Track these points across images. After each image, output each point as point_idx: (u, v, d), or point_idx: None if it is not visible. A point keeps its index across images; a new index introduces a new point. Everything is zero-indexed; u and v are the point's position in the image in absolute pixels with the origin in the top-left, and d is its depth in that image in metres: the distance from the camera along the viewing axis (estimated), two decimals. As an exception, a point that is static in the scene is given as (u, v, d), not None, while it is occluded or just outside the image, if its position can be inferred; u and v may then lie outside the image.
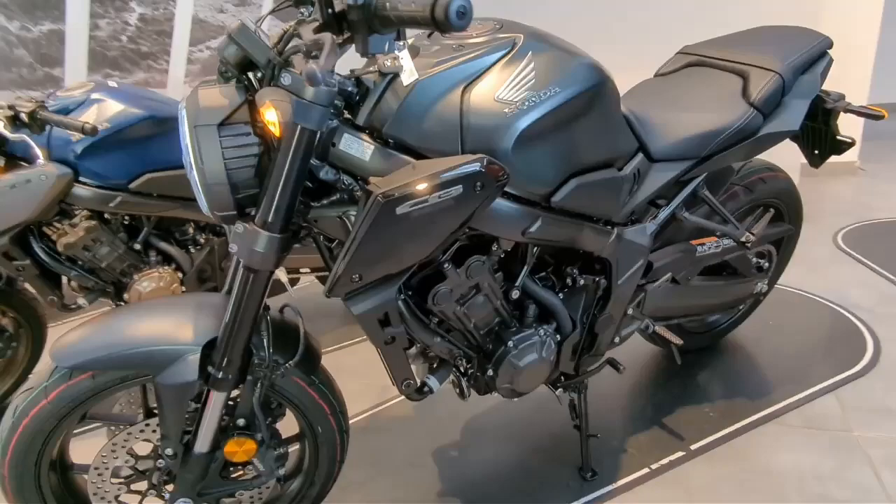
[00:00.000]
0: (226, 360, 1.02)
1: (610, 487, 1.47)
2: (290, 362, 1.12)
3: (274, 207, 0.91)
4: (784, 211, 1.76)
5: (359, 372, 1.92)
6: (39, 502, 1.11)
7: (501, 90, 0.98)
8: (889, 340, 1.93)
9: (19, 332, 2.00)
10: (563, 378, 1.46)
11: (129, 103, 1.78)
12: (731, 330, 2.01)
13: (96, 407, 1.10)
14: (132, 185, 1.81)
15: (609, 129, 1.14)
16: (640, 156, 1.28)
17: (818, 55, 1.45)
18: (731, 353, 1.98)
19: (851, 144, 1.74)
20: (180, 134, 0.93)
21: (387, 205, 0.87)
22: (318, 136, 0.89)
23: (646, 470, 1.51)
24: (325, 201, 1.01)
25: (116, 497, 1.16)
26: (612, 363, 1.50)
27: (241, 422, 1.11)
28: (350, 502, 1.48)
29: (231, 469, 1.20)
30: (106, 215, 1.84)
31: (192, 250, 1.94)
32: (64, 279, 1.90)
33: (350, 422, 1.65)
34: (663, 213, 1.40)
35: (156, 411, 1.08)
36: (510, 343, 1.23)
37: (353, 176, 0.99)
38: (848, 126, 3.41)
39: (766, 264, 1.80)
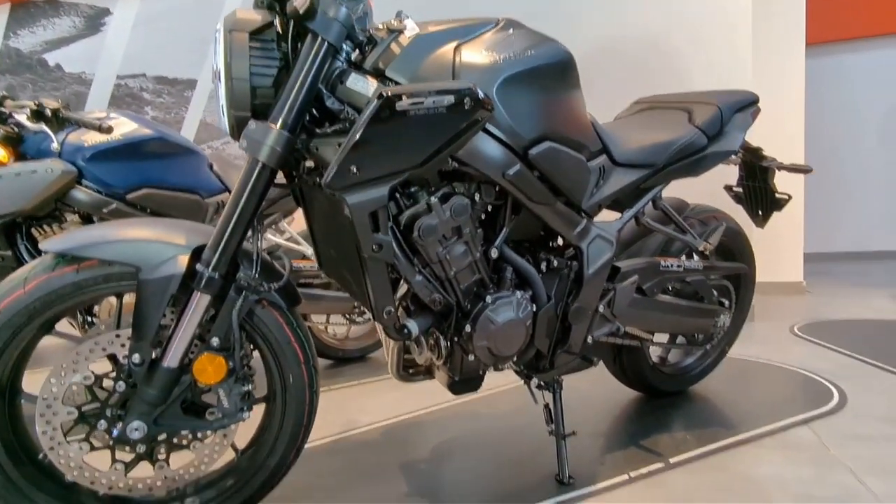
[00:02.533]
0: (217, 255, 1.05)
1: (589, 489, 1.39)
2: (275, 284, 1.14)
3: (287, 106, 1.04)
4: (735, 250, 1.92)
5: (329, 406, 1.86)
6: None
7: (488, 48, 1.18)
8: (853, 392, 1.98)
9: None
10: (538, 371, 1.46)
11: (142, 124, 1.95)
12: (702, 377, 2.04)
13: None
14: (129, 196, 1.90)
15: (575, 107, 1.33)
16: (605, 156, 1.47)
17: (749, 102, 1.74)
18: (704, 392, 1.99)
19: (788, 200, 1.97)
20: (214, 51, 1.08)
21: (388, 99, 1.00)
22: (332, 53, 1.05)
23: (625, 476, 1.45)
24: (328, 129, 1.13)
25: (63, 427, 1.08)
26: (586, 358, 1.52)
27: (214, 341, 1.09)
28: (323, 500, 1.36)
29: (193, 406, 1.14)
30: (96, 224, 1.89)
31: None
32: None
33: (317, 443, 1.60)
34: (627, 214, 1.54)
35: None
36: (488, 299, 1.27)
37: (356, 109, 1.13)
38: (793, 242, 3.78)
39: (727, 301, 1.91)
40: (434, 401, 1.98)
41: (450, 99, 1.04)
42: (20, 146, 1.82)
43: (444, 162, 1.14)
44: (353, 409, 1.96)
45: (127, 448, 1.13)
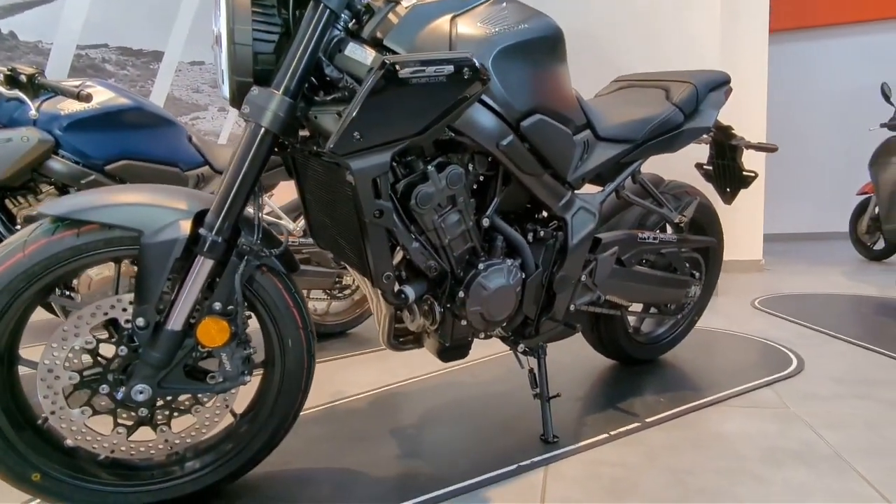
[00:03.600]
0: (221, 219, 1.06)
1: (573, 446, 1.47)
2: (275, 250, 1.16)
3: (290, 72, 1.05)
4: (705, 224, 2.02)
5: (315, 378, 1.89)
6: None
7: (483, 21, 1.22)
8: (809, 357, 2.12)
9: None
10: (524, 337, 1.52)
11: (119, 93, 1.91)
12: (672, 346, 2.15)
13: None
14: (108, 168, 1.87)
15: (563, 82, 1.38)
16: (588, 132, 1.52)
17: (722, 82, 1.82)
18: (673, 360, 2.10)
19: (755, 177, 2.08)
20: (215, 15, 1.08)
21: (391, 67, 1.02)
22: (333, 19, 1.07)
23: (605, 435, 1.53)
24: (327, 97, 1.15)
25: (64, 391, 1.08)
26: (569, 324, 1.59)
27: (216, 306, 1.11)
28: (313, 467, 1.40)
29: (196, 371, 1.16)
30: (73, 196, 1.85)
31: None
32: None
33: (307, 412, 1.63)
34: (609, 187, 1.61)
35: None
36: (480, 266, 1.32)
37: (354, 78, 1.15)
38: (753, 222, 3.95)
39: (697, 273, 2.02)
40: (418, 372, 2.03)
41: (449, 68, 1.07)
42: (-8, 112, 1.76)
43: (442, 131, 1.17)
44: (338, 381, 1.99)
45: (128, 412, 1.14)
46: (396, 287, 1.24)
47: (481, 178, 1.35)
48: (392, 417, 1.68)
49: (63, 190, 1.84)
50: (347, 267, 1.47)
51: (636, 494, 1.25)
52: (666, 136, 1.66)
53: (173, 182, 2.01)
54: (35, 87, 1.70)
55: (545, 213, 1.54)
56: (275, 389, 1.25)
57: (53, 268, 1.03)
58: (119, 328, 1.10)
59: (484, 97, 1.21)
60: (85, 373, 1.09)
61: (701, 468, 1.36)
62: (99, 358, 1.10)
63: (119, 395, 1.07)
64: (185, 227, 1.06)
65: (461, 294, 1.32)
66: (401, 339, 1.52)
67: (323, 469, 1.39)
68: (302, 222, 2.25)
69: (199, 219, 1.09)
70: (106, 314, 1.08)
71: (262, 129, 1.07)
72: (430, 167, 1.21)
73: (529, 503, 1.24)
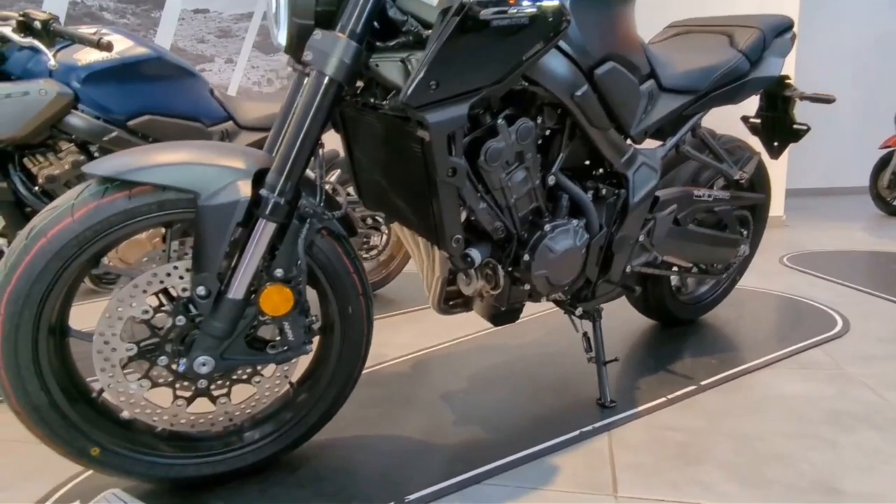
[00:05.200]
0: (284, 178, 0.98)
1: (631, 411, 1.44)
2: (336, 213, 1.08)
3: (356, 13, 0.94)
4: (754, 180, 1.94)
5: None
6: (30, 352, 0.95)
7: None
8: (854, 317, 2.08)
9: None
10: (581, 300, 1.47)
11: (137, 42, 1.78)
12: (714, 306, 2.10)
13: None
14: (130, 123, 1.76)
15: (633, 27, 1.29)
16: (652, 81, 1.42)
17: (787, 27, 1.70)
18: (714, 321, 2.06)
19: (807, 130, 1.98)
20: None
21: (472, 8, 0.92)
22: None
23: (662, 399, 1.50)
24: (389, 43, 1.04)
25: (121, 362, 1.02)
26: (627, 286, 1.53)
27: (278, 272, 1.04)
28: (369, 434, 1.36)
29: (255, 340, 1.10)
30: (96, 154, 1.75)
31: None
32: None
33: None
34: (670, 142, 1.52)
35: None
36: (546, 227, 1.25)
37: (420, 22, 1.04)
38: (776, 177, 3.87)
39: (746, 232, 1.95)
40: (455, 334, 1.98)
41: (532, 9, 0.97)
42: (1, 65, 1.63)
43: (517, 80, 1.07)
44: (375, 343, 1.93)
45: (186, 384, 1.08)
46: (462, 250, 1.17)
47: (547, 133, 1.26)
48: (439, 381, 1.64)
49: (83, 147, 1.74)
50: (400, 229, 1.40)
51: (708, 460, 1.22)
52: (731, 87, 1.56)
53: (196, 138, 1.90)
54: (50, 34, 1.56)
55: (601, 170, 1.46)
56: (334, 357, 1.20)
57: (105, 233, 0.95)
58: (172, 296, 1.03)
59: (561, 43, 1.11)
60: (142, 344, 1.03)
61: (768, 432, 1.32)
62: (156, 328, 1.04)
63: (181, 368, 1.01)
64: (246, 187, 0.97)
65: (526, 257, 1.25)
66: (450, 302, 1.46)
67: (378, 436, 1.36)
68: (333, 176, 2.15)
69: (257, 179, 1.00)
70: (162, 282, 1.01)
71: (326, 79, 0.97)
72: (499, 120, 1.12)
73: (599, 470, 1.20)
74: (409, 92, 0.93)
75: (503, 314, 1.44)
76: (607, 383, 1.49)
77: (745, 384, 1.58)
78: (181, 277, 1.02)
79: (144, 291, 1.00)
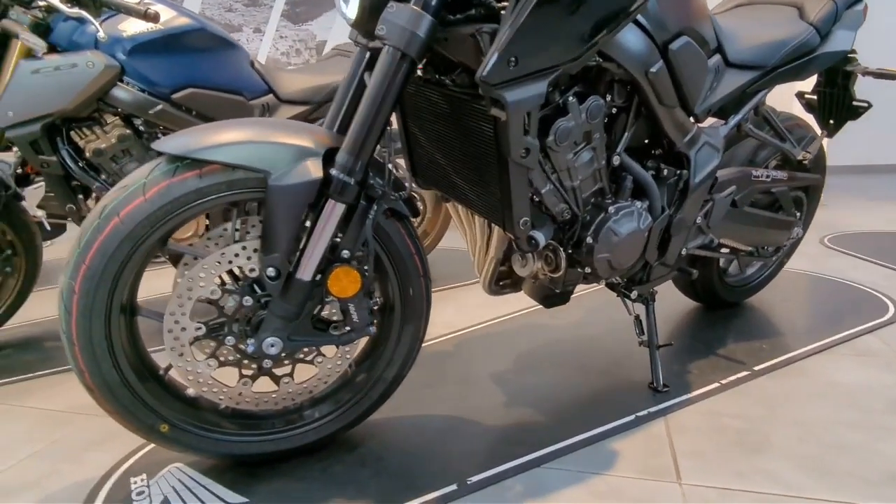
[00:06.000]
0: (355, 158, 0.95)
1: (685, 396, 1.42)
2: (402, 193, 1.06)
3: (433, -15, 0.90)
4: (811, 161, 1.87)
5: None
6: (103, 330, 0.95)
7: None
8: (904, 301, 2.03)
9: (13, 260, 1.81)
10: (636, 283, 1.44)
11: (180, 12, 1.74)
12: (761, 289, 2.06)
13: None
14: (175, 96, 1.73)
15: (704, 2, 1.21)
16: (719, 56, 1.36)
17: (856, -1, 1.62)
18: (760, 304, 2.02)
19: (868, 108, 1.89)
20: None
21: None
22: None
23: (716, 384, 1.48)
24: (460, 16, 1.00)
25: (190, 342, 1.02)
26: (683, 269, 1.50)
27: (345, 253, 1.02)
28: (424, 413, 1.36)
29: (319, 321, 1.09)
30: (140, 127, 1.73)
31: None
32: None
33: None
34: (733, 119, 1.46)
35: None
36: (611, 209, 1.21)
37: (493, -8, 0.99)
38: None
39: (799, 213, 1.89)
40: (495, 313, 1.96)
41: (617, -22, 0.92)
42: (48, 36, 1.61)
43: (592, 56, 1.02)
44: (417, 320, 1.94)
45: (250, 364, 1.08)
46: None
47: (613, 111, 1.21)
48: (486, 361, 1.63)
49: (128, 121, 1.72)
50: (454, 207, 1.37)
51: (771, 449, 1.20)
52: (799, 62, 1.49)
53: (238, 112, 1.87)
54: (97, 4, 1.53)
55: (659, 150, 1.41)
56: (393, 338, 1.19)
57: (176, 212, 0.94)
58: (237, 277, 1.03)
59: (638, 15, 1.05)
60: (210, 323, 1.03)
61: (829, 421, 1.30)
62: (224, 308, 1.03)
63: (250, 348, 1.01)
64: (317, 168, 0.95)
65: (589, 240, 1.22)
66: (500, 283, 1.44)
67: (433, 416, 1.36)
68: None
69: (326, 158, 0.98)
70: (230, 262, 1.00)
71: (400, 54, 0.93)
72: (570, 98, 1.07)
73: (659, 456, 1.19)
74: (487, 69, 0.89)
75: (556, 296, 1.42)
76: (660, 367, 1.47)
77: (799, 370, 1.55)
78: (249, 258, 1.00)
79: (213, 271, 0.99)
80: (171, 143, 0.93)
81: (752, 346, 1.69)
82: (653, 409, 1.36)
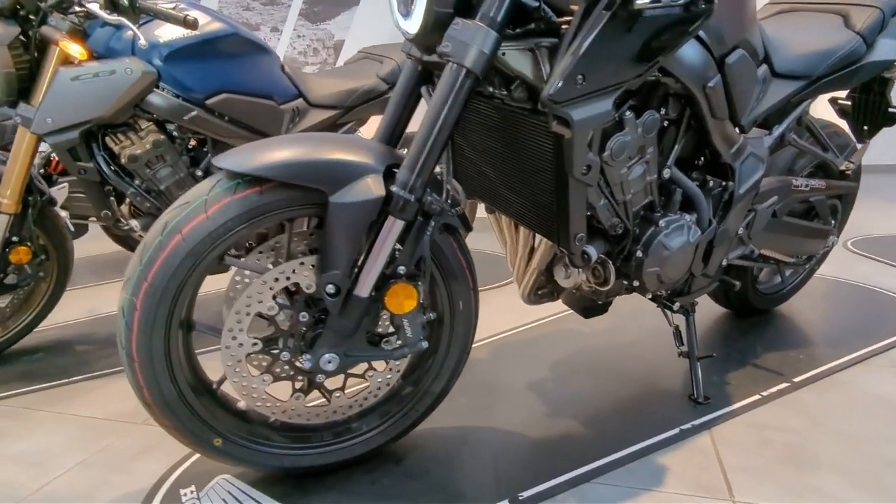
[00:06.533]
0: (415, 176, 0.94)
1: (728, 408, 1.41)
2: (458, 209, 1.05)
3: (498, 1, 0.89)
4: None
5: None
6: (163, 346, 0.95)
7: None
8: (937, 309, 2.01)
9: (45, 264, 1.81)
10: (678, 295, 1.43)
11: (214, 17, 1.74)
12: (791, 296, 2.05)
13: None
14: (209, 102, 1.73)
15: (755, 13, 1.20)
16: (766, 66, 1.34)
17: (902, 5, 1.59)
18: (789, 312, 2.00)
19: (905, 114, 1.87)
20: None
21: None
22: None
23: (757, 396, 1.47)
24: (518, 30, 0.99)
25: (248, 356, 1.02)
26: (724, 280, 1.49)
27: (401, 269, 1.02)
28: (467, 424, 1.36)
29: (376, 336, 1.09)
30: (174, 133, 1.73)
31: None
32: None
33: None
34: (777, 130, 1.45)
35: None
36: (661, 223, 1.21)
37: (553, 9, 0.98)
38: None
39: (834, 221, 1.88)
40: (524, 320, 1.95)
41: (684, -2, 0.90)
42: (84, 42, 1.60)
43: (653, 71, 1.01)
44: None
45: (302, 378, 1.08)
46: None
47: (665, 124, 1.20)
48: (521, 369, 1.63)
49: (161, 126, 1.72)
50: (496, 218, 1.36)
51: (821, 464, 1.20)
52: (845, 72, 1.47)
53: (270, 118, 1.86)
54: (136, 11, 1.52)
55: (702, 160, 1.40)
56: (442, 351, 1.19)
57: (236, 229, 0.94)
58: (292, 293, 1.02)
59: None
60: (265, 339, 1.02)
61: (878, 436, 1.29)
62: (280, 324, 1.03)
63: (307, 364, 1.00)
64: (378, 186, 0.94)
65: (639, 254, 1.21)
66: (539, 292, 1.44)
67: (476, 427, 1.35)
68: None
69: (386, 175, 0.97)
70: (288, 279, 0.99)
71: (464, 71, 0.92)
72: (627, 113, 1.06)
73: (709, 472, 1.19)
74: (555, 87, 0.88)
75: (597, 307, 1.41)
76: (700, 379, 1.46)
77: (839, 382, 1.54)
78: (306, 275, 1.00)
79: (271, 288, 0.99)
80: (231, 160, 0.93)
81: (787, 356, 1.68)
82: (696, 423, 1.36)
